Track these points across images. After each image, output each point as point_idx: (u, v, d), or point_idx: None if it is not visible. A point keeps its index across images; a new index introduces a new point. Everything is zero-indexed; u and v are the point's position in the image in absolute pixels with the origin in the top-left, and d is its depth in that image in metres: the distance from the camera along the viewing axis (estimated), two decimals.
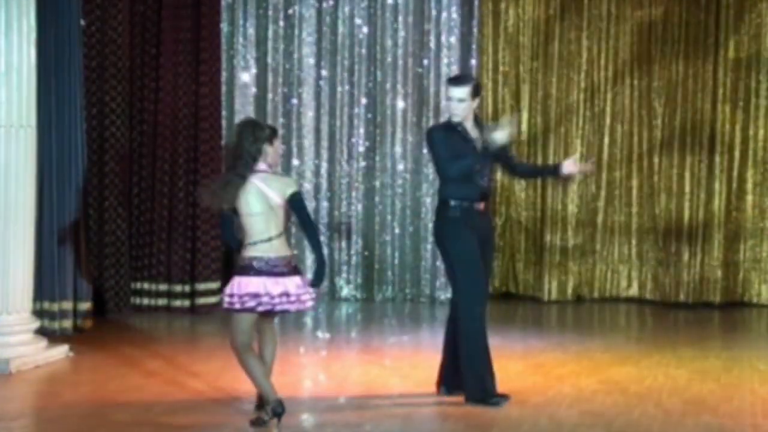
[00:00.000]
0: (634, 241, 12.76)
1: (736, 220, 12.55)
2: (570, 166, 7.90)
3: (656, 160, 12.66)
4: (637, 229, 12.75)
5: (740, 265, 12.55)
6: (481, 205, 7.73)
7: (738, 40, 12.47)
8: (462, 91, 7.56)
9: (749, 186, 12.53)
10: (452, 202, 7.65)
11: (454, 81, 7.76)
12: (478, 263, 7.65)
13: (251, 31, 12.73)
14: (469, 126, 7.67)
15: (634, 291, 12.75)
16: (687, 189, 12.53)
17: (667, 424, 7.21)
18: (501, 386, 8.02)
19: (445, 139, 7.59)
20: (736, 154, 12.53)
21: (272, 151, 6.96)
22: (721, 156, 12.50)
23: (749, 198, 12.53)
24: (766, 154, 12.52)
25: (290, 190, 6.89)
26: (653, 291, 12.67)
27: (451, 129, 7.64)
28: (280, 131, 12.76)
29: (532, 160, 12.60)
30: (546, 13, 12.70)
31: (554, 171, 8.16)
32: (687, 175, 12.55)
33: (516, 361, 9.23)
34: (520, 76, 12.75)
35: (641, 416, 7.41)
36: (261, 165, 6.88)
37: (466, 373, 7.66)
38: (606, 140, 12.73)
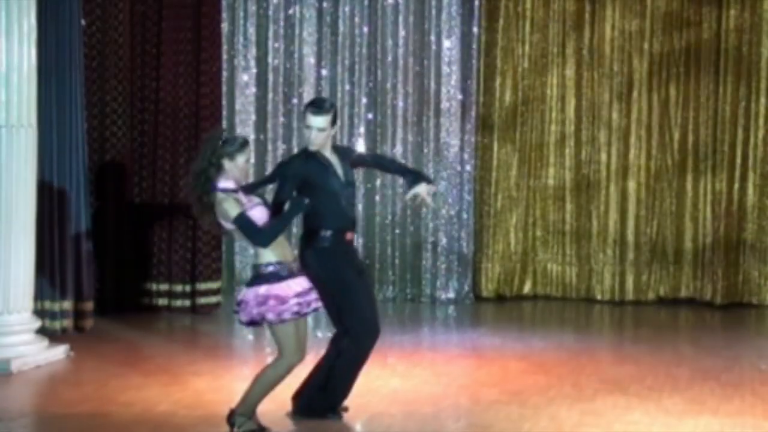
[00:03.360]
0: (636, 241, 12.69)
1: (738, 224, 12.50)
2: (419, 189, 7.49)
3: (656, 159, 12.63)
4: (638, 231, 12.68)
5: (741, 266, 12.52)
6: (351, 235, 7.40)
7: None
8: (323, 120, 7.11)
9: (750, 190, 12.45)
10: (323, 232, 7.19)
11: (315, 109, 7.16)
12: (364, 291, 7.36)
13: (252, 30, 12.73)
14: (328, 153, 7.24)
15: (635, 291, 12.70)
16: (690, 194, 12.50)
17: (668, 424, 7.21)
18: (502, 385, 8.05)
19: (294, 178, 7.12)
20: (737, 159, 12.48)
21: (234, 167, 6.73)
22: (722, 162, 12.47)
23: (749, 201, 12.47)
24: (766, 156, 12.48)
25: (233, 214, 6.66)
26: (652, 292, 12.63)
27: (311, 156, 7.20)
28: (281, 131, 12.79)
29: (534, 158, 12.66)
30: (546, 13, 12.68)
31: (409, 184, 7.62)
32: (691, 172, 12.50)
33: (517, 361, 9.23)
34: (520, 75, 12.73)
35: (642, 416, 7.41)
36: (222, 182, 6.70)
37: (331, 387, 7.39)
38: (603, 138, 12.67)
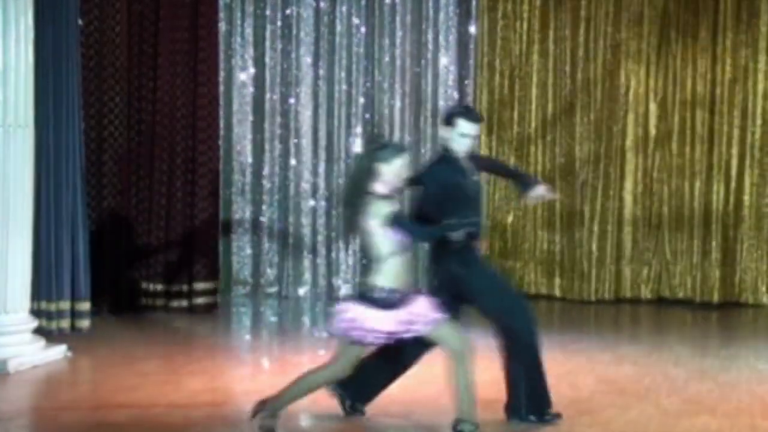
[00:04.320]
0: (630, 237, 12.71)
1: (735, 222, 12.52)
2: (539, 191, 7.50)
3: (653, 160, 12.65)
4: (634, 223, 12.70)
5: (738, 264, 12.54)
6: (483, 243, 7.47)
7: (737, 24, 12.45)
8: (477, 128, 7.23)
9: (746, 187, 12.49)
10: (458, 237, 7.09)
11: (471, 117, 7.20)
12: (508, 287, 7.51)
13: (249, 30, 12.73)
14: (463, 159, 7.26)
15: (632, 291, 12.72)
16: (687, 188, 12.53)
17: (665, 424, 7.21)
18: (499, 385, 8.01)
19: (440, 185, 7.08)
20: (734, 158, 12.50)
21: (390, 172, 6.59)
22: (720, 158, 12.50)
23: (746, 199, 12.50)
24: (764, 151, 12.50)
25: (386, 213, 6.54)
26: (647, 290, 12.65)
27: (452, 162, 7.18)
28: (278, 131, 12.79)
29: (532, 157, 12.64)
30: (543, 12, 12.68)
31: (524, 187, 7.58)
32: (687, 173, 12.52)
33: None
34: (517, 75, 12.74)
35: (639, 416, 7.41)
36: (377, 186, 6.58)
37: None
38: (603, 137, 12.68)
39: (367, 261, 6.70)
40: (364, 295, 6.67)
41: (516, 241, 12.87)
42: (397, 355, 7.25)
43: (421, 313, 6.66)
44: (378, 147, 6.69)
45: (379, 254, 6.58)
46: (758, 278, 12.54)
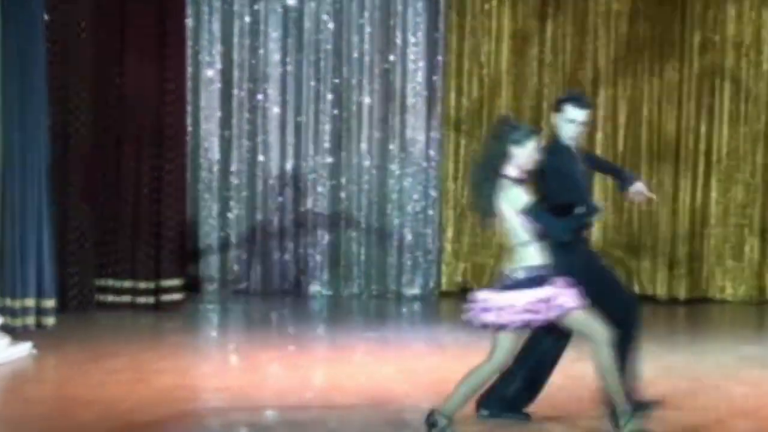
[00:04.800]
0: (599, 237, 12.78)
1: (702, 219, 12.59)
2: (639, 187, 7.43)
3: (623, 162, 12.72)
4: (601, 224, 12.76)
5: (705, 261, 12.60)
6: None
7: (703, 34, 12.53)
8: (587, 114, 7.12)
9: (713, 184, 12.56)
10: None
11: (580, 103, 7.12)
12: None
13: (217, 26, 12.67)
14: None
15: None
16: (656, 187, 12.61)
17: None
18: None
19: (562, 173, 7.04)
20: (701, 154, 12.58)
21: (522, 154, 6.52)
22: (687, 158, 12.58)
23: (713, 197, 12.57)
24: (729, 152, 12.58)
25: (523, 202, 6.46)
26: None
27: (567, 150, 7.11)
28: (246, 127, 12.74)
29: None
30: (512, 9, 12.69)
31: (625, 183, 7.48)
32: (655, 177, 12.59)
33: (482, 357, 9.20)
34: (486, 72, 12.75)
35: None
36: (509, 169, 6.49)
37: None
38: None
39: (502, 246, 6.56)
40: (500, 282, 6.59)
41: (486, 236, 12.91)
42: (540, 355, 7.20)
43: (560, 294, 6.53)
44: (510, 129, 6.57)
45: (515, 240, 6.50)
46: (725, 274, 12.60)
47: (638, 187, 7.39)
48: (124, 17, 11.40)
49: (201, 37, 12.62)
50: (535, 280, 6.48)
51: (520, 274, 6.49)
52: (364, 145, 12.62)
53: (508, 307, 6.47)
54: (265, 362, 9.16)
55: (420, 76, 12.56)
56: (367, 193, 12.61)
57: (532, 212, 6.42)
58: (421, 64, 12.54)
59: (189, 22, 12.20)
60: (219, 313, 11.99)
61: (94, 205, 11.35)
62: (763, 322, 11.90)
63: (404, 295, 12.38)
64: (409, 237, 12.52)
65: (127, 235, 11.43)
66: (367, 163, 12.61)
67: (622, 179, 7.51)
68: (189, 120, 12.05)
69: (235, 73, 12.69)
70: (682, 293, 12.50)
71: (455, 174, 12.76)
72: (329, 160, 12.64)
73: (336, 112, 12.65)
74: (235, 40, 12.68)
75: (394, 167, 12.52)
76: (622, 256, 12.67)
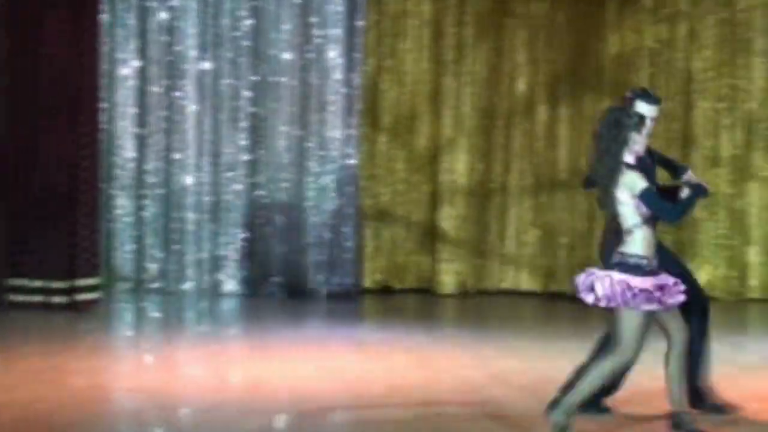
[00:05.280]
0: (517, 233, 12.83)
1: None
2: (689, 176, 7.39)
3: (539, 153, 12.78)
4: (521, 220, 12.83)
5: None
6: None
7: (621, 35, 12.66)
8: (657, 110, 7.19)
9: None
10: None
11: (652, 99, 7.20)
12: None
13: (132, 22, 12.50)
14: None
15: (517, 283, 12.84)
16: (564, 183, 12.71)
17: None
18: (386, 380, 8.04)
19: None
20: None
21: (639, 140, 6.67)
22: None
23: None
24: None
25: (641, 186, 6.47)
26: (536, 283, 12.78)
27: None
28: (162, 125, 12.59)
29: (420, 151, 12.73)
30: (432, 6, 12.71)
31: (677, 172, 7.51)
32: (570, 169, 12.69)
33: (402, 355, 9.21)
34: (405, 69, 12.75)
35: (526, 408, 7.43)
36: (627, 156, 6.55)
37: None
38: (490, 130, 12.80)
39: (618, 231, 6.55)
40: (620, 263, 6.56)
41: (405, 233, 12.90)
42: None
43: (671, 285, 6.57)
44: (631, 117, 6.61)
45: (630, 224, 6.52)
46: None
47: (689, 177, 7.40)
48: (38, 13, 11.20)
49: (116, 33, 12.45)
50: (647, 269, 6.53)
51: (634, 260, 6.53)
52: (282, 143, 12.54)
53: (640, 288, 6.48)
54: (181, 362, 9.06)
55: (339, 74, 12.50)
56: (286, 191, 12.54)
57: (646, 197, 6.47)
58: (340, 61, 12.49)
59: (104, 17, 12.02)
60: (134, 313, 11.84)
61: (6, 202, 11.15)
62: None
63: (323, 293, 12.32)
64: (327, 235, 12.47)
65: (40, 234, 11.23)
66: (285, 160, 12.53)
67: (675, 169, 7.56)
68: (104, 117, 11.88)
69: (152, 70, 12.53)
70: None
71: (374, 172, 12.74)
72: (247, 157, 12.54)
73: (254, 109, 12.56)
74: (152, 36, 12.53)
75: (312, 165, 12.46)
76: (543, 249, 12.76)
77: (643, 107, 7.08)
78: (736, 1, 12.59)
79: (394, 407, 7.39)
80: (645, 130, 7.02)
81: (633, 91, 7.31)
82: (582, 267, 12.32)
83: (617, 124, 6.57)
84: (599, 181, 6.64)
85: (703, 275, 12.63)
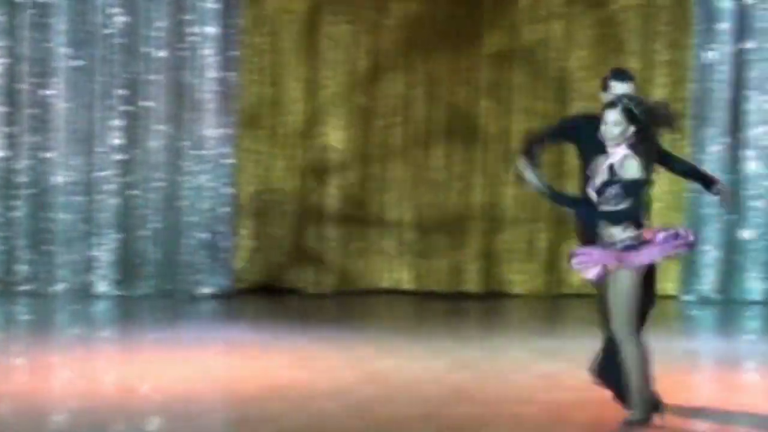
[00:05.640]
0: (394, 233, 12.85)
1: (495, 211, 12.80)
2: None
3: (418, 152, 12.80)
4: (397, 221, 12.85)
5: (498, 255, 12.81)
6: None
7: (498, 34, 12.74)
8: (630, 87, 7.13)
9: (507, 179, 12.78)
10: None
11: (624, 76, 7.21)
12: None
13: (0, 19, 12.20)
14: None
15: (394, 282, 12.84)
16: (447, 181, 12.75)
17: (427, 414, 7.22)
18: (262, 380, 7.94)
19: None
20: (492, 150, 12.80)
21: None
22: (481, 148, 12.78)
23: (507, 191, 12.79)
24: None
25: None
26: (413, 282, 12.79)
27: None
28: (32, 123, 12.30)
29: (288, 151, 12.62)
30: (309, 4, 12.64)
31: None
32: (447, 167, 12.74)
33: (278, 356, 9.12)
34: (282, 67, 12.66)
35: (401, 406, 7.40)
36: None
37: None
38: (369, 132, 12.79)
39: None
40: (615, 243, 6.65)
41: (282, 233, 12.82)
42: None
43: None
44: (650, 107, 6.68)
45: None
46: (514, 269, 12.81)
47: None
48: None
49: None
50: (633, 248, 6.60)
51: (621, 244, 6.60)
52: (156, 143, 12.34)
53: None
54: (51, 365, 8.85)
55: (213, 72, 12.34)
56: (160, 190, 12.34)
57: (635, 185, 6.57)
58: (215, 59, 12.33)
59: None
60: (4, 315, 11.54)
61: None
62: (554, 315, 12.13)
63: (199, 294, 12.17)
64: (203, 235, 12.30)
65: None
66: (159, 160, 12.33)
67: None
68: None
69: (21, 68, 12.24)
70: (475, 288, 12.67)
71: (251, 171, 12.64)
72: (120, 157, 12.30)
73: (127, 108, 12.33)
74: (20, 33, 12.23)
75: (187, 164, 12.29)
76: (418, 248, 12.78)
77: (617, 87, 7.10)
78: (610, 2, 12.74)
79: (269, 407, 7.30)
80: None
81: (607, 74, 7.31)
82: (458, 268, 12.58)
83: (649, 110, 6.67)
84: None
85: (577, 273, 12.76)
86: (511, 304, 12.48)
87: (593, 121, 6.88)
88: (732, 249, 12.55)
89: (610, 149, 6.67)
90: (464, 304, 12.31)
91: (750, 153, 12.52)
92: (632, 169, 6.58)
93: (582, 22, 12.83)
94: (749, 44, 12.54)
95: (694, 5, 12.55)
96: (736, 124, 12.54)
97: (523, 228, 12.82)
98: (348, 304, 12.25)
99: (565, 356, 9.20)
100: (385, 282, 12.86)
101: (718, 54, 12.55)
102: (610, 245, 6.63)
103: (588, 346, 8.81)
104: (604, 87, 7.20)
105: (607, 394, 7.25)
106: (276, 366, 8.74)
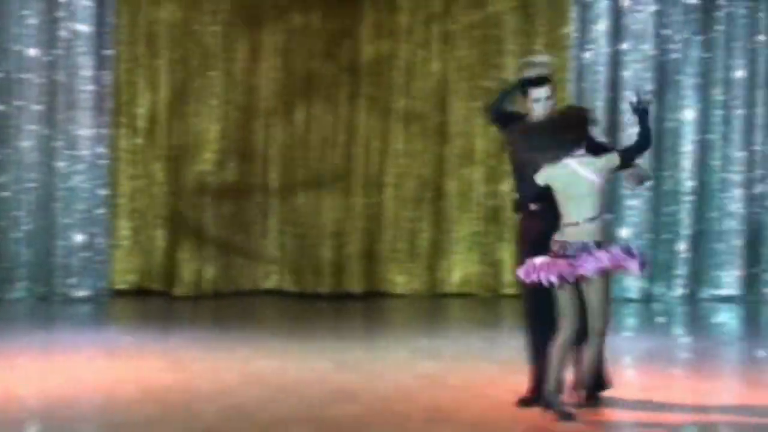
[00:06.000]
0: (273, 234, 12.77)
1: (376, 211, 12.80)
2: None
3: (296, 153, 12.73)
4: (277, 221, 12.77)
5: (380, 255, 12.81)
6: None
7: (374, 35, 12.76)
8: (547, 90, 7.38)
9: (388, 179, 12.80)
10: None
11: (540, 81, 7.41)
12: None
13: None
14: None
15: (274, 283, 12.77)
16: (326, 182, 12.71)
17: (311, 415, 7.16)
18: (139, 384, 7.80)
19: None
20: (374, 149, 12.80)
21: None
22: (360, 152, 12.77)
23: (388, 191, 12.80)
24: (405, 148, 12.84)
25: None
26: (294, 283, 12.72)
27: None
28: None
29: (173, 152, 12.45)
30: (183, 5, 12.49)
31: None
32: (327, 169, 12.72)
33: (156, 359, 8.97)
34: (157, 66, 12.49)
35: (283, 408, 7.33)
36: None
37: None
38: (245, 133, 12.70)
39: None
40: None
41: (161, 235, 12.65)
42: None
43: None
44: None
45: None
46: (397, 269, 12.82)
47: None
48: None
49: None
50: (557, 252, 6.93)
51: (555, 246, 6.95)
52: (28, 142, 12.05)
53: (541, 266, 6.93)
54: None
55: (88, 71, 12.10)
56: (32, 191, 12.05)
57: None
58: (89, 57, 12.09)
59: None
60: None
61: None
62: (435, 315, 12.15)
63: (73, 297, 11.93)
64: (78, 237, 12.05)
65: None
66: (32, 160, 12.04)
67: None
68: None
69: None
70: (357, 288, 12.67)
71: (127, 171, 12.44)
72: None
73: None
74: None
75: (61, 165, 12.02)
76: (298, 248, 12.72)
77: (535, 91, 7.37)
78: (489, 3, 12.82)
79: (149, 411, 7.16)
80: (544, 111, 7.30)
81: (522, 80, 7.49)
82: (340, 268, 12.56)
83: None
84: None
85: (457, 272, 12.83)
86: (392, 304, 12.48)
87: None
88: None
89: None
90: (346, 305, 12.28)
91: None
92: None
93: (460, 23, 12.88)
94: (625, 45, 12.75)
95: (571, 6, 12.71)
96: (613, 125, 12.73)
97: (403, 228, 12.84)
98: (228, 306, 12.12)
99: (447, 356, 9.22)
100: (266, 283, 12.77)
101: (595, 55, 12.74)
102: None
103: (469, 346, 8.87)
104: (523, 94, 7.44)
105: (490, 393, 7.28)
106: (154, 369, 8.59)
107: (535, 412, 7.06)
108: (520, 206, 7.36)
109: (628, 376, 8.74)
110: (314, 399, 7.58)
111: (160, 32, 12.50)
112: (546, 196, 7.00)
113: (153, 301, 12.19)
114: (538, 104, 7.32)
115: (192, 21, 12.51)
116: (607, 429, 7.15)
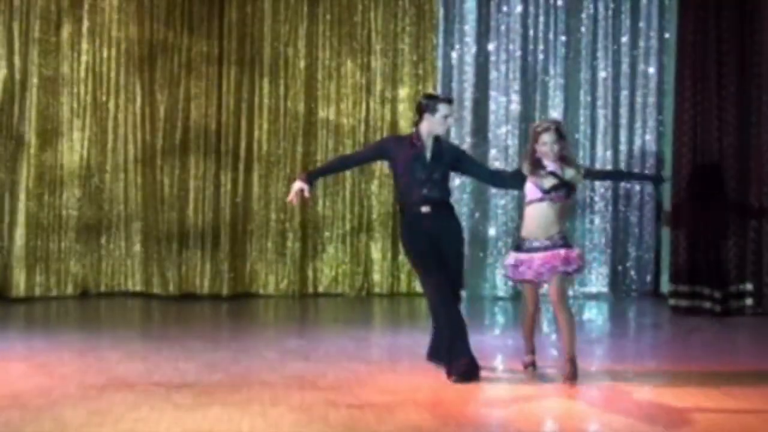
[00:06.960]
0: (140, 236, 12.63)
1: (244, 215, 12.75)
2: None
3: (160, 162, 12.60)
4: (144, 224, 12.62)
5: (247, 257, 12.76)
6: (426, 209, 8.13)
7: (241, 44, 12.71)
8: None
9: (255, 180, 12.75)
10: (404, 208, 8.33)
11: (448, 98, 8.35)
12: (428, 258, 8.07)
13: None
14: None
15: (140, 285, 12.62)
16: (193, 186, 12.62)
17: (177, 418, 7.06)
18: (3, 389, 7.61)
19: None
20: (242, 151, 12.73)
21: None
22: (228, 154, 12.70)
23: (255, 192, 12.76)
24: (270, 148, 12.79)
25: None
26: (161, 285, 12.59)
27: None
28: None
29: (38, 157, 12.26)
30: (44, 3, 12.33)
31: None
32: (193, 173, 12.62)
33: (18, 363, 8.76)
34: (27, 63, 12.31)
35: (151, 411, 7.21)
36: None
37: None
38: (111, 143, 12.54)
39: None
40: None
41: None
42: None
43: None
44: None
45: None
46: (266, 270, 12.79)
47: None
48: None
49: None
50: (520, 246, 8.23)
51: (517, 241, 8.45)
52: None
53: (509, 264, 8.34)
54: None
55: None
56: None
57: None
58: None
59: None
60: None
61: None
62: (305, 315, 12.11)
63: (10, 297, 11.77)
64: None
65: None
66: None
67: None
68: None
69: None
70: (225, 289, 12.61)
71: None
72: None
73: None
74: None
75: None
76: (165, 252, 12.60)
77: (446, 108, 8.14)
78: (356, 1, 12.88)
79: (11, 416, 6.99)
80: (447, 127, 8.36)
81: (429, 98, 8.24)
82: (209, 270, 12.45)
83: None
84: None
85: (328, 271, 12.83)
86: (260, 304, 12.43)
87: (403, 140, 8.29)
88: (477, 246, 12.87)
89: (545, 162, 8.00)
90: (214, 306, 12.20)
91: (493, 152, 12.88)
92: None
93: (326, 21, 12.87)
94: (491, 45, 12.88)
95: (438, 5, 12.79)
96: (481, 124, 12.85)
97: (273, 229, 12.80)
98: (91, 309, 11.93)
99: (316, 356, 9.19)
100: (132, 285, 12.64)
101: (462, 54, 12.84)
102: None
103: (338, 345, 8.85)
104: (428, 109, 8.07)
105: (359, 393, 7.25)
106: (15, 374, 8.38)
107: (402, 411, 7.08)
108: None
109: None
110: (181, 402, 7.46)
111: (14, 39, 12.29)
112: None
113: (9, 306, 11.96)
114: (448, 120, 8.09)
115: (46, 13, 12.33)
116: None
